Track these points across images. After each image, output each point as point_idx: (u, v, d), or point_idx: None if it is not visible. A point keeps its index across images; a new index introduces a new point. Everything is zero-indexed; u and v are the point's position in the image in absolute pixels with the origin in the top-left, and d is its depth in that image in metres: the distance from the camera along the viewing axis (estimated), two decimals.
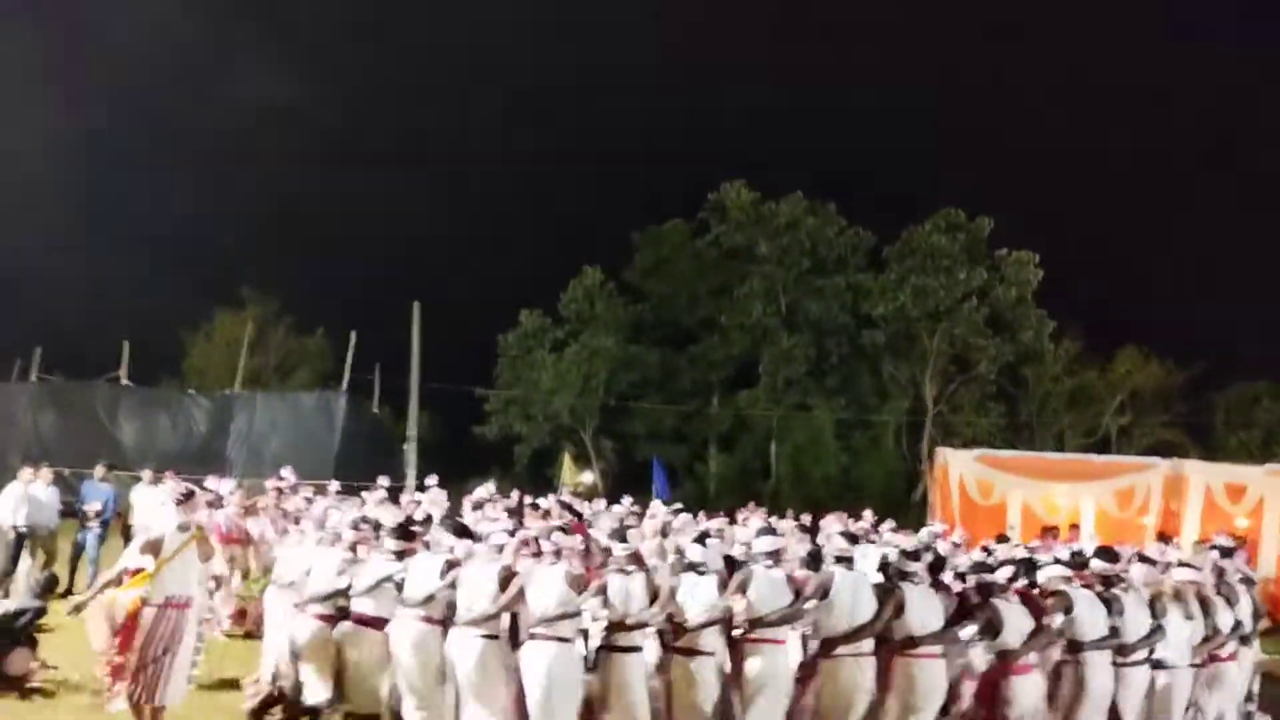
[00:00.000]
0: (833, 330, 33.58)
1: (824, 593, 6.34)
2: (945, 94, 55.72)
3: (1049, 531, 13.11)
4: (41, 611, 8.10)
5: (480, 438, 34.12)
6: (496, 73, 64.92)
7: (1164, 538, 12.86)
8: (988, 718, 6.36)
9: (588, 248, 36.48)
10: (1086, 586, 6.97)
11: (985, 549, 10.20)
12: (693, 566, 6.49)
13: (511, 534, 7.05)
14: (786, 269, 33.58)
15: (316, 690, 6.81)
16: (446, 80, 66.29)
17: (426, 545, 7.06)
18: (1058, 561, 7.41)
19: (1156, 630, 6.88)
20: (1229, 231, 41.40)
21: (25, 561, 11.31)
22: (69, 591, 10.97)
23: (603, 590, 6.19)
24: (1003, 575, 6.88)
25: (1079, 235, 40.24)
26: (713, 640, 6.33)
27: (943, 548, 8.88)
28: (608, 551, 7.29)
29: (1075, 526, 14.71)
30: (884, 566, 6.82)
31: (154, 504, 10.70)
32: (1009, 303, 31.91)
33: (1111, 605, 6.78)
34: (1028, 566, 7.39)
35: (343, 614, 6.87)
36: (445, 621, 6.49)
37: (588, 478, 31.05)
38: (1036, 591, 6.90)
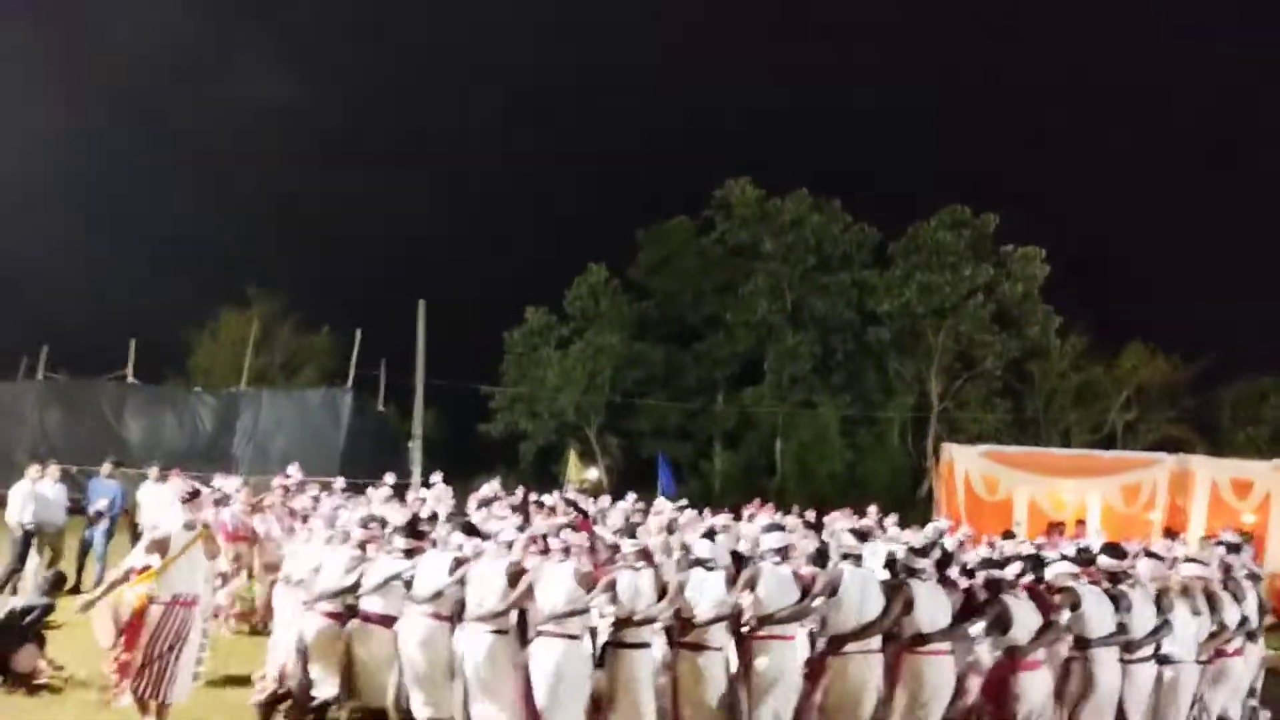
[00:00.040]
0: (838, 327, 33.55)
1: (833, 590, 6.34)
2: (945, 94, 55.66)
3: (1055, 527, 13.11)
4: (49, 609, 8.12)
5: (485, 435, 34.15)
6: (496, 73, 64.93)
7: (1170, 533, 12.87)
8: (996, 713, 6.34)
9: (588, 248, 36.52)
10: (1093, 583, 6.95)
11: (990, 545, 10.20)
12: (700, 562, 6.48)
13: (520, 531, 7.07)
14: (791, 266, 33.54)
15: (325, 687, 6.84)
16: (446, 80, 66.28)
17: (433, 543, 7.08)
18: (1064, 558, 7.40)
19: (1163, 626, 6.87)
20: (1232, 230, 41.38)
21: (33, 559, 11.35)
22: (76, 589, 11.00)
23: (612, 587, 6.20)
24: (1010, 571, 6.87)
25: (1080, 235, 40.19)
26: (720, 636, 6.34)
27: (949, 543, 8.87)
28: (613, 548, 7.31)
29: (1081, 522, 14.71)
30: (891, 563, 6.81)
31: (161, 502, 10.73)
32: (1015, 299, 31.87)
33: (1119, 602, 6.76)
34: (1035, 563, 7.38)
35: (351, 612, 6.89)
36: (453, 618, 6.51)
37: (593, 474, 31.06)
38: (1044, 588, 6.89)
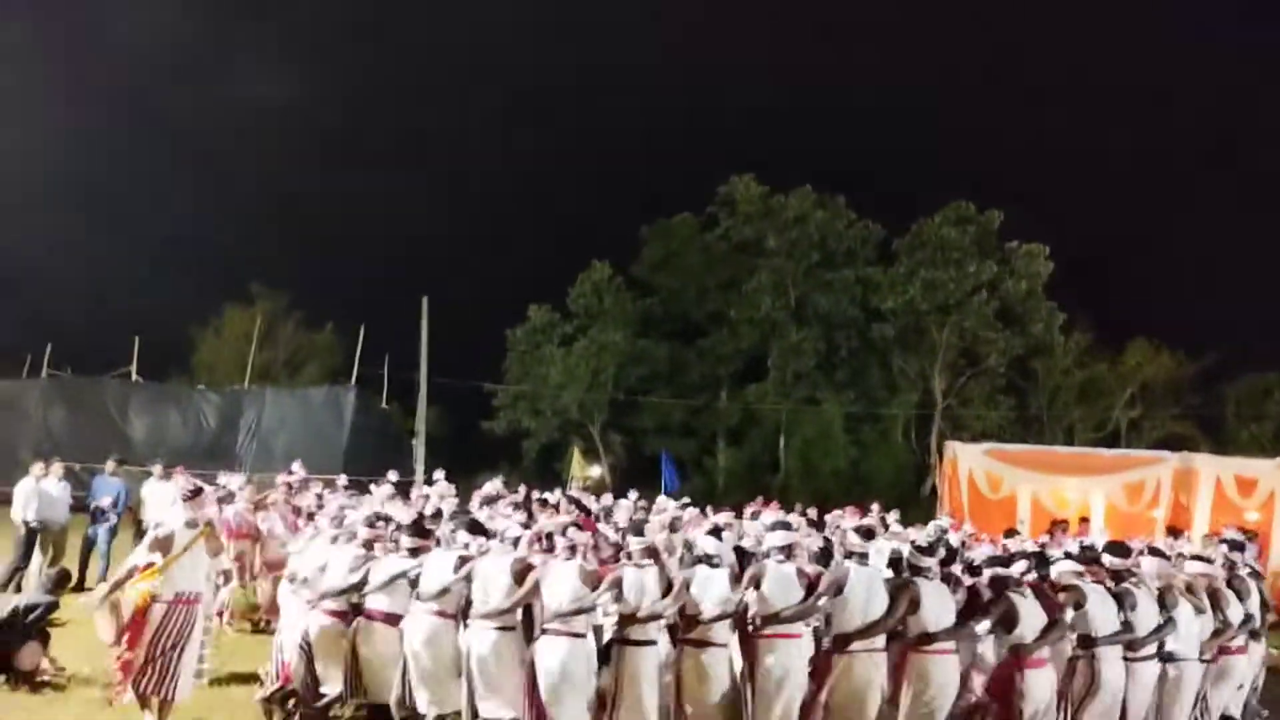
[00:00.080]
0: (842, 324, 33.53)
1: (838, 589, 6.33)
2: (945, 94, 55.62)
3: (1058, 525, 13.07)
4: (53, 606, 8.12)
5: (489, 432, 34.18)
6: (496, 73, 65.09)
7: (1174, 531, 12.83)
8: (1001, 712, 6.33)
9: (589, 248, 36.55)
10: (1098, 581, 6.94)
11: (994, 543, 10.18)
12: (707, 559, 6.48)
13: (525, 528, 7.08)
14: (796, 262, 33.52)
15: (329, 685, 6.85)
16: (446, 80, 66.47)
17: (438, 542, 7.09)
18: (1068, 555, 7.38)
19: (1167, 624, 6.85)
20: (1233, 229, 41.42)
21: (37, 557, 11.36)
22: (80, 586, 11.02)
23: (618, 584, 6.20)
24: (1017, 569, 6.86)
25: (1080, 234, 40.19)
26: (724, 633, 6.34)
27: (954, 540, 8.86)
28: (616, 546, 7.31)
29: (1085, 520, 14.67)
30: (895, 561, 6.80)
31: (164, 499, 10.75)
32: (1019, 295, 31.83)
33: (1123, 600, 6.75)
34: (1039, 561, 7.37)
35: (356, 610, 6.90)
36: (458, 615, 6.53)
37: (596, 472, 31.08)
38: (1048, 586, 6.88)
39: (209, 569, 7.06)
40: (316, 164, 51.46)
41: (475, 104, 64.96)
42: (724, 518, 10.37)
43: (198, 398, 23.88)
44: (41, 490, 11.49)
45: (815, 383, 33.10)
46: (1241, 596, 7.57)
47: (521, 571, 6.33)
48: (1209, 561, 7.79)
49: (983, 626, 6.46)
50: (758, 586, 6.30)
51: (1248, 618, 7.50)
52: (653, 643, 6.30)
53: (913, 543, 7.28)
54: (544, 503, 11.10)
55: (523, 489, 13.09)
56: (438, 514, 8.93)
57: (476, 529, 7.01)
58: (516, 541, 6.73)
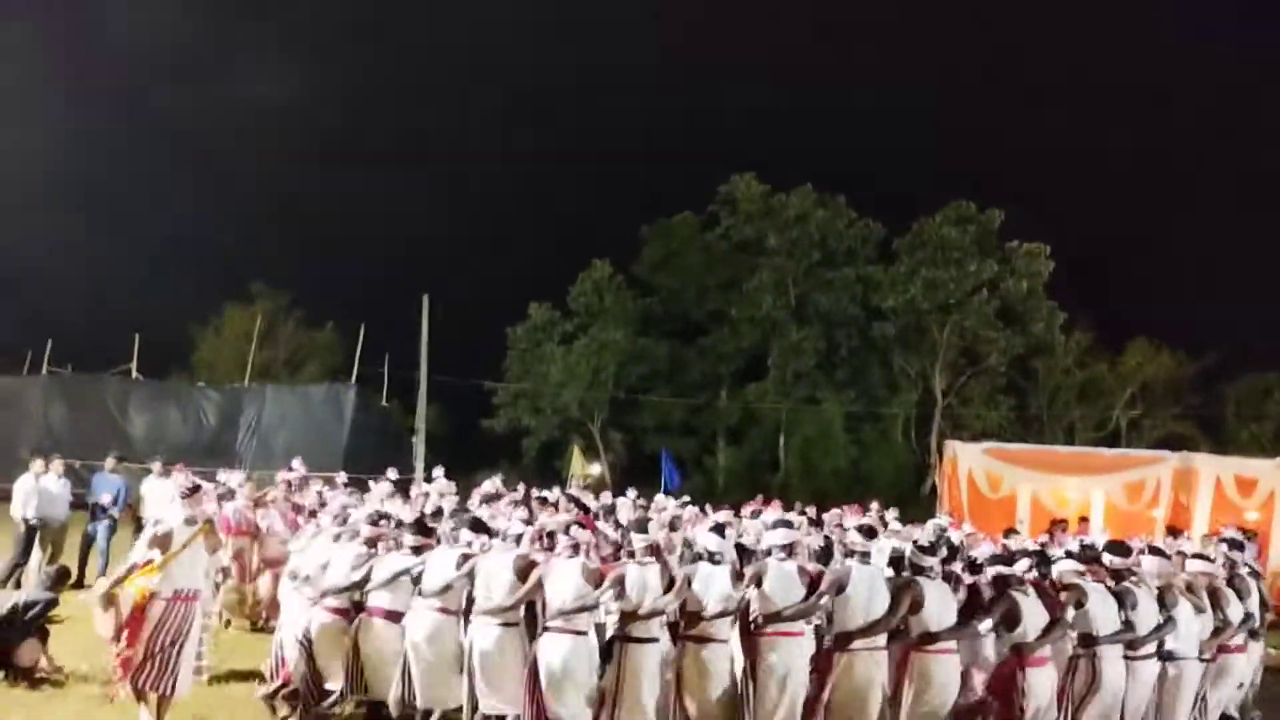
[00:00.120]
0: (842, 323, 33.53)
1: (840, 588, 6.33)
2: (945, 94, 55.64)
3: (1058, 525, 13.06)
4: (52, 603, 8.12)
5: (489, 431, 34.20)
6: (496, 73, 65.17)
7: (1173, 531, 12.82)
8: (1003, 711, 6.33)
9: (589, 247, 36.63)
10: (1098, 581, 6.94)
11: (992, 542, 10.17)
12: (709, 556, 6.48)
13: (526, 525, 7.08)
14: (796, 261, 33.52)
15: (330, 682, 6.86)
16: (446, 80, 66.55)
17: (438, 540, 7.09)
18: (1069, 554, 7.38)
19: (1167, 623, 6.85)
20: (1233, 229, 41.45)
21: (37, 553, 11.36)
22: (79, 583, 11.02)
23: (620, 582, 6.20)
24: (1019, 568, 6.86)
25: (1080, 234, 40.23)
26: (724, 630, 6.34)
27: (955, 538, 8.85)
28: (616, 545, 7.31)
29: (1085, 520, 14.66)
30: (897, 560, 6.80)
31: (164, 496, 10.73)
32: (1019, 295, 31.83)
33: (1124, 599, 6.75)
34: (1040, 559, 7.35)
35: (358, 608, 6.90)
36: (460, 612, 6.54)
37: (596, 470, 31.08)
38: (1049, 584, 6.88)
39: (208, 566, 7.06)
40: (316, 164, 51.59)
41: (475, 104, 65.12)
42: (723, 516, 10.36)
43: (198, 395, 23.87)
44: (41, 487, 11.49)
45: (815, 382, 33.11)
46: (1242, 596, 7.57)
47: (524, 568, 6.34)
48: (1209, 560, 7.79)
49: (985, 625, 6.46)
50: (759, 584, 6.30)
51: (1247, 616, 7.50)
52: (655, 640, 6.30)
53: (914, 542, 7.26)
54: (544, 501, 11.09)
55: (522, 487, 13.08)
56: (438, 512, 8.93)
57: (479, 527, 7.01)
58: (519, 539, 6.75)
